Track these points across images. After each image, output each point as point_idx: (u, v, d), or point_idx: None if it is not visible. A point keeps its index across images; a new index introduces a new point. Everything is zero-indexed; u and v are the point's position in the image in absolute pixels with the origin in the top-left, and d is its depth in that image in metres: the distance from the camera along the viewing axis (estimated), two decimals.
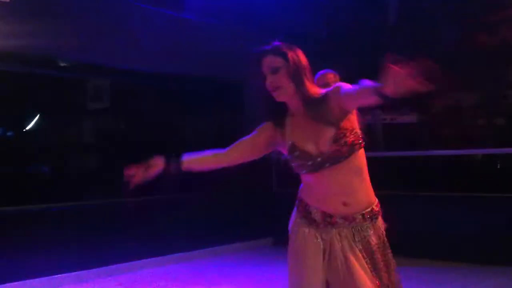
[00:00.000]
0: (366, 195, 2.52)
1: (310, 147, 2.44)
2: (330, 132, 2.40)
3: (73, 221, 6.39)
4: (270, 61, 2.46)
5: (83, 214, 6.54)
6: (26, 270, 5.86)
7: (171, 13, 7.45)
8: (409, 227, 6.60)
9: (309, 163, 2.44)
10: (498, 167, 7.86)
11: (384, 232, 2.56)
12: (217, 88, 8.28)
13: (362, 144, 2.47)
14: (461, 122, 9.14)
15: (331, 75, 4.23)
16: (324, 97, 2.45)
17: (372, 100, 2.16)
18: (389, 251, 2.55)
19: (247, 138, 2.65)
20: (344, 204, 2.46)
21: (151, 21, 7.16)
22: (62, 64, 6.57)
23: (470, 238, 6.54)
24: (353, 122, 2.47)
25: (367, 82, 2.19)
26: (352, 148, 2.42)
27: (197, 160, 2.66)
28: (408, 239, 6.64)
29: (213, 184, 8.18)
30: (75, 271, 6.21)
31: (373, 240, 2.49)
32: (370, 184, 2.55)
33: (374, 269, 2.45)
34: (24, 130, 7.35)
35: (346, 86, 2.40)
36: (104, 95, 7.89)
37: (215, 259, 7.40)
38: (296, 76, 2.43)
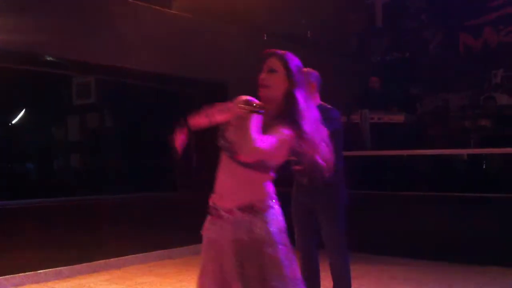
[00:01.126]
0: (248, 192, 2.59)
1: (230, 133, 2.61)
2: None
3: (58, 217, 6.35)
4: (272, 62, 2.62)
5: (67, 210, 6.50)
6: (8, 266, 5.81)
7: (159, 8, 7.42)
8: (395, 226, 6.64)
9: (221, 141, 2.62)
10: (484, 167, 7.92)
11: (271, 231, 2.56)
12: (202, 88, 8.25)
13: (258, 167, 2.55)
14: (447, 123, 9.21)
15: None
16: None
17: None
18: (274, 256, 2.54)
19: None
20: (220, 196, 2.63)
21: (138, 17, 7.12)
22: (47, 60, 6.51)
23: (454, 238, 6.58)
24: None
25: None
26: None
27: None
28: (393, 238, 6.68)
29: (198, 182, 8.19)
30: (59, 266, 6.18)
31: (250, 236, 2.54)
32: (265, 186, 2.62)
33: (242, 274, 2.52)
34: (9, 125, 7.29)
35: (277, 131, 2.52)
36: (89, 92, 7.85)
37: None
38: (290, 85, 2.58)
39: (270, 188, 2.65)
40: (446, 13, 9.53)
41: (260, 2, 8.32)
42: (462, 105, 9.40)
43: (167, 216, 7.31)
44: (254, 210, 2.57)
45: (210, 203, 2.71)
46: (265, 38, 8.34)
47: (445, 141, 8.49)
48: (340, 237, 4.17)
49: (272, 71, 2.59)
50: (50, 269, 6.11)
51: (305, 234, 4.23)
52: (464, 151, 8.02)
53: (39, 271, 6.01)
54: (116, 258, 6.72)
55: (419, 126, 9.36)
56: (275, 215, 2.61)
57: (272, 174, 2.64)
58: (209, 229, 2.70)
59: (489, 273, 6.09)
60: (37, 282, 5.95)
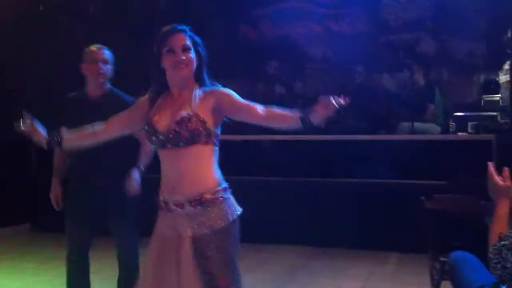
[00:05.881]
0: (198, 182, 2.49)
1: (161, 125, 2.51)
2: (181, 115, 2.47)
3: None
4: (182, 39, 2.54)
5: None
6: None
7: None
8: (266, 212, 6.24)
9: (153, 138, 2.53)
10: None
11: (224, 225, 2.50)
12: None
13: (204, 139, 2.48)
14: None
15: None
16: (210, 92, 2.58)
17: (286, 124, 2.48)
18: (226, 249, 2.49)
19: (125, 112, 2.75)
20: (173, 189, 2.50)
21: None
22: None
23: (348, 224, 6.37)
24: (215, 119, 2.52)
25: (281, 109, 2.49)
26: (191, 137, 2.45)
27: (77, 137, 2.77)
28: (267, 225, 6.28)
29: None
30: None
31: (202, 231, 2.47)
32: (213, 174, 2.54)
33: (201, 268, 2.45)
34: None
35: (237, 97, 2.58)
36: None
37: None
38: (201, 61, 2.58)
39: (219, 175, 2.55)
40: (227, 5, 9.77)
41: None
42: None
43: None
44: (203, 202, 2.47)
45: (160, 197, 2.58)
46: (41, 9, 7.90)
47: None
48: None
49: (187, 49, 2.53)
50: None
51: None
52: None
53: None
54: None
55: None
56: (231, 205, 2.54)
57: (216, 148, 2.55)
58: (162, 226, 2.57)
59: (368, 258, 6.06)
60: None
